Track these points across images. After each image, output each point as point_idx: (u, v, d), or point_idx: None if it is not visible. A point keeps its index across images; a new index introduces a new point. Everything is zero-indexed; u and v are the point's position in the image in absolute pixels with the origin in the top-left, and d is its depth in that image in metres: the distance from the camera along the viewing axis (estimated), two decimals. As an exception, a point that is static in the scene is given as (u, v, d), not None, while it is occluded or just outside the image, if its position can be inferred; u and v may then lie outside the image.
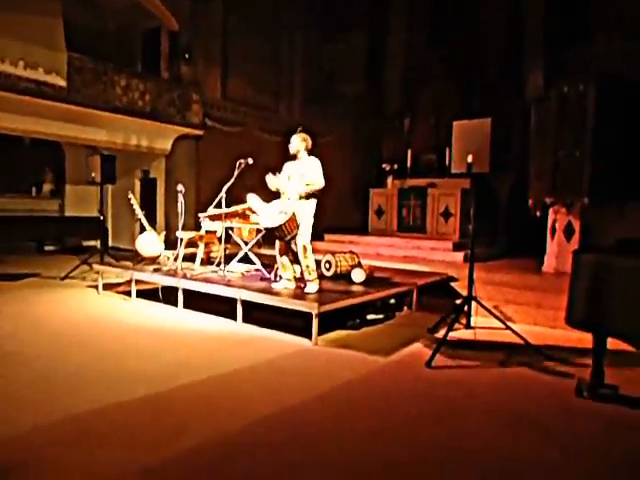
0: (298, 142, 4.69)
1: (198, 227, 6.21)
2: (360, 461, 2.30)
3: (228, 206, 5.57)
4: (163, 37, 10.79)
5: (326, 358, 3.84)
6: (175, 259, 6.01)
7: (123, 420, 2.66)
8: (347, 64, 12.52)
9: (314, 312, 4.08)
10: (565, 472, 2.29)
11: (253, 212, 5.73)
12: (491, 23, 10.05)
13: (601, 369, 3.03)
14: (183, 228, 5.85)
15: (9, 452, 2.31)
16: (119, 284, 6.41)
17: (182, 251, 5.97)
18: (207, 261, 6.41)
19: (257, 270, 5.78)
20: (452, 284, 6.15)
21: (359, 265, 5.54)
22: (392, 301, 5.36)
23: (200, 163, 10.56)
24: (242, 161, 5.24)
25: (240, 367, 3.53)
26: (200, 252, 6.18)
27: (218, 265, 5.71)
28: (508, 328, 4.02)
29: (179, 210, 5.67)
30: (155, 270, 5.75)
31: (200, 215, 5.89)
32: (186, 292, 5.21)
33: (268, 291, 4.68)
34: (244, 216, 5.77)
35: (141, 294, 5.74)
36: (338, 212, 10.90)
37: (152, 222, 8.14)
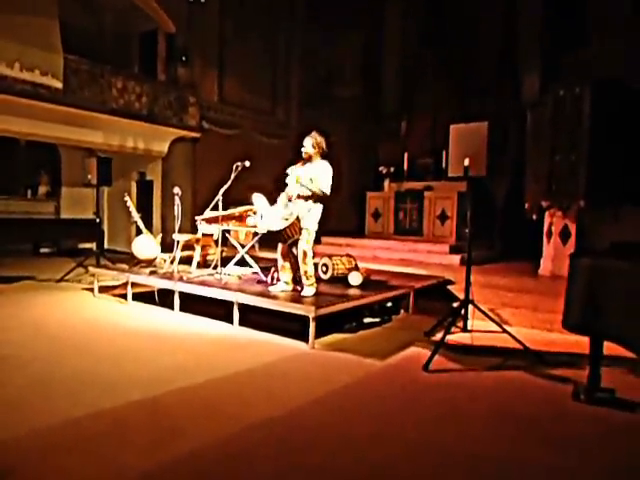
0: (310, 145, 4.55)
1: (195, 230, 6.19)
2: (357, 466, 2.30)
3: (225, 209, 5.56)
4: (160, 39, 10.79)
5: (323, 362, 3.83)
6: (171, 262, 5.99)
7: (120, 424, 2.65)
8: (344, 67, 12.56)
9: (311, 315, 4.07)
10: (563, 476, 2.29)
11: (249, 215, 5.72)
12: (488, 26, 10.10)
13: (598, 373, 3.04)
14: (180, 231, 5.84)
15: (5, 456, 2.29)
16: (115, 287, 6.38)
17: (179, 254, 5.95)
18: (204, 264, 6.39)
19: (254, 273, 5.77)
20: (449, 287, 6.16)
21: (356, 268, 5.54)
22: (389, 304, 5.36)
23: (197, 166, 10.56)
24: (239, 164, 5.23)
25: (237, 371, 3.52)
26: (197, 255, 6.16)
27: (215, 268, 5.70)
28: (505, 332, 4.03)
29: (176, 213, 5.66)
30: (151, 273, 5.73)
31: (197, 218, 5.88)
32: (182, 295, 5.19)
33: (265, 294, 4.67)
34: (241, 219, 5.76)
35: (137, 297, 5.72)
36: (335, 215, 10.87)
37: (148, 224, 8.12)
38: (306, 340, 4.13)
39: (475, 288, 4.47)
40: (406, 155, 10.62)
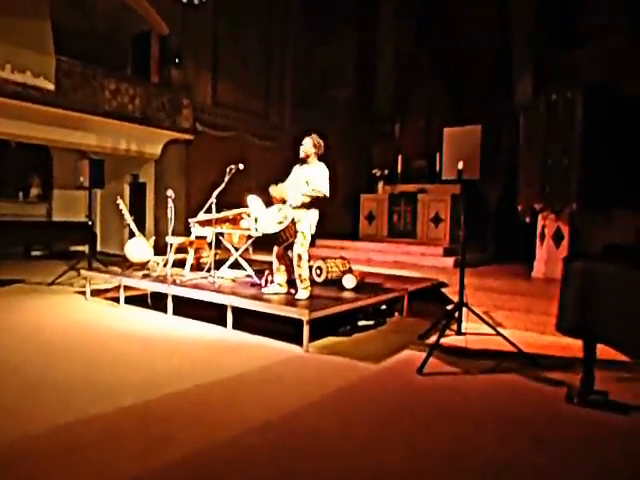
0: (310, 145, 4.55)
1: (188, 232, 6.16)
2: (353, 470, 2.28)
3: (218, 211, 5.54)
4: (153, 41, 10.75)
5: (317, 365, 3.82)
6: (165, 265, 5.96)
7: (111, 429, 2.62)
8: (337, 69, 12.58)
9: (305, 319, 4.06)
10: (556, 478, 2.29)
11: (242, 218, 5.70)
12: (482, 29, 10.15)
13: (591, 375, 3.05)
14: (173, 233, 5.80)
15: (-7, 464, 2.26)
16: (107, 290, 6.34)
17: (172, 257, 5.91)
18: (197, 267, 6.36)
19: (248, 276, 5.75)
20: (443, 290, 6.17)
21: (350, 271, 5.54)
22: (383, 307, 5.36)
23: (190, 168, 10.51)
24: (233, 166, 5.21)
25: (230, 375, 3.50)
26: (190, 258, 6.13)
27: (208, 271, 5.67)
28: (499, 334, 4.03)
29: (169, 215, 5.63)
30: (144, 276, 5.69)
31: (190, 220, 5.85)
32: (176, 298, 5.16)
33: (259, 297, 4.65)
34: (234, 222, 5.75)
35: (130, 300, 5.68)
36: (329, 217, 10.86)
37: (141, 227, 8.07)
38: (300, 343, 4.12)
39: (469, 291, 4.48)
40: (400, 157, 10.65)
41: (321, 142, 4.58)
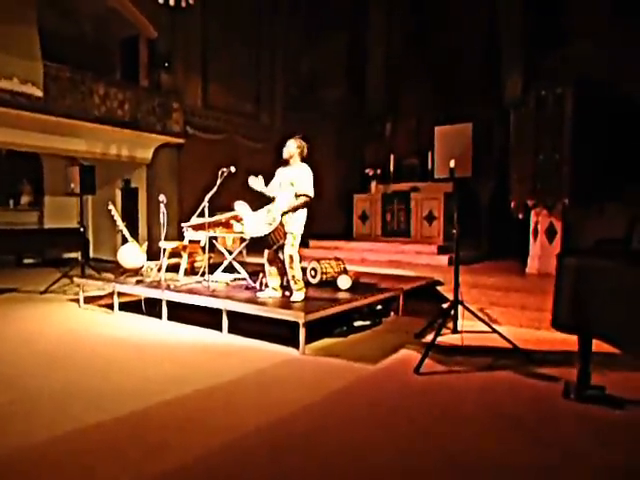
0: (293, 147, 4.59)
1: (181, 237, 6.13)
2: (351, 472, 2.27)
3: (211, 215, 5.51)
4: (142, 45, 10.69)
5: (314, 368, 3.81)
6: (158, 270, 5.92)
7: (108, 438, 2.60)
8: (328, 69, 12.57)
9: (301, 321, 4.04)
10: (555, 474, 2.29)
11: (237, 221, 5.68)
12: (472, 27, 10.17)
13: (587, 371, 3.06)
14: (166, 238, 5.76)
15: (-12, 478, 2.24)
16: (101, 297, 6.29)
17: (165, 262, 5.88)
18: (191, 271, 6.33)
19: (242, 279, 5.72)
20: (438, 288, 6.18)
21: (345, 271, 5.53)
22: (379, 307, 5.35)
23: (182, 171, 10.47)
24: (225, 170, 5.19)
25: (227, 380, 3.48)
26: (184, 262, 6.10)
27: (202, 275, 5.64)
28: (494, 331, 4.04)
29: (161, 220, 5.59)
30: (138, 282, 5.65)
31: (183, 225, 5.82)
32: (170, 303, 5.13)
33: (254, 301, 4.63)
34: (228, 225, 5.72)
35: (124, 306, 5.64)
36: (322, 218, 10.85)
37: (134, 232, 8.02)
38: (296, 346, 4.10)
39: (463, 288, 4.49)
40: (392, 157, 10.65)
41: (304, 144, 4.63)
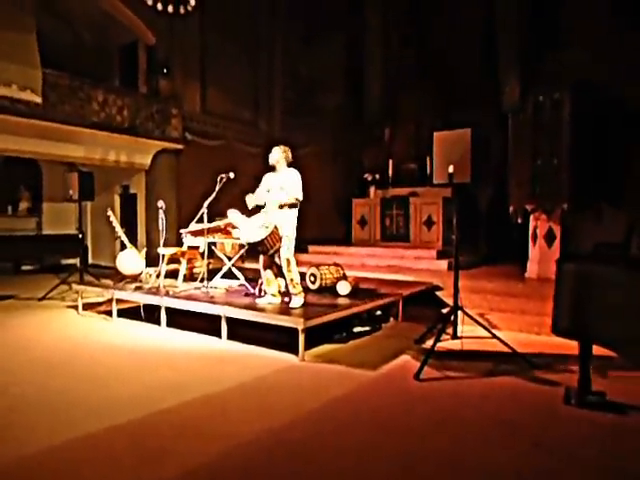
0: (279, 154, 4.69)
1: (180, 243, 6.12)
2: (349, 478, 2.26)
3: (210, 221, 5.51)
4: (140, 51, 10.72)
5: (314, 374, 3.79)
6: (157, 276, 5.91)
7: (106, 446, 2.58)
8: (326, 75, 12.61)
9: (300, 327, 4.03)
10: (557, 484, 2.28)
11: (235, 227, 5.67)
12: (469, 33, 10.22)
13: (588, 376, 3.05)
14: (165, 244, 5.76)
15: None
16: (100, 303, 6.26)
17: (164, 268, 5.87)
18: (190, 277, 6.32)
19: (241, 285, 5.71)
20: (437, 293, 6.17)
21: (344, 277, 5.52)
22: (378, 312, 5.34)
23: (180, 177, 10.47)
24: (223, 175, 5.19)
25: (226, 387, 3.46)
26: (183, 268, 6.09)
27: (201, 281, 5.63)
28: (495, 337, 4.03)
29: (160, 226, 5.58)
30: (136, 288, 5.63)
31: (182, 231, 5.81)
32: (169, 309, 5.11)
33: (253, 307, 4.61)
34: (226, 231, 5.71)
35: (123, 313, 5.62)
36: (321, 223, 10.89)
37: (133, 238, 8.01)
38: (296, 352, 4.08)
39: (463, 293, 4.48)
40: (391, 161, 10.66)
41: (288, 149, 4.75)
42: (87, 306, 6.13)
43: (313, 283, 5.51)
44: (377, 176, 10.73)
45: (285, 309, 4.50)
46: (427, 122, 10.25)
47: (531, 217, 6.88)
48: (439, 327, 4.22)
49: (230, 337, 4.61)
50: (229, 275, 5.88)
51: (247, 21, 11.84)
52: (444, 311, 5.54)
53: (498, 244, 8.90)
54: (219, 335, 4.63)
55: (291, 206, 4.55)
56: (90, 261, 11.17)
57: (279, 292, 4.84)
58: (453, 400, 3.24)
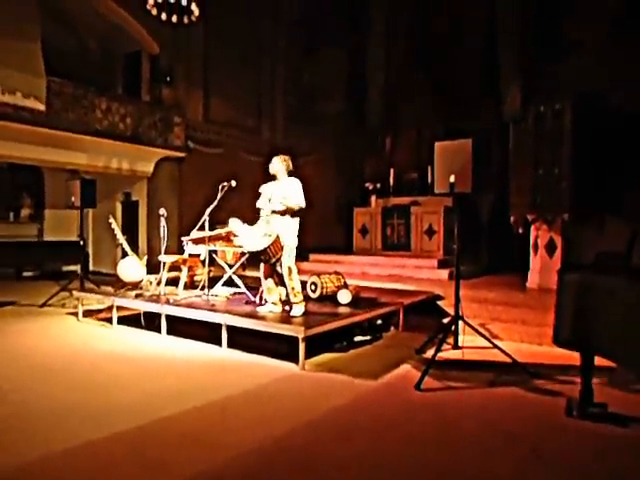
0: (278, 163, 4.71)
1: (181, 250, 6.12)
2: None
3: (212, 229, 5.52)
4: (144, 60, 10.81)
5: (314, 383, 3.77)
6: (158, 284, 5.90)
7: (106, 454, 2.56)
8: (328, 83, 12.68)
9: (300, 336, 4.02)
10: (559, 496, 2.26)
11: (236, 235, 5.68)
12: (471, 42, 10.27)
13: (590, 387, 3.03)
14: (166, 252, 5.77)
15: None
16: (100, 310, 6.26)
17: (165, 275, 5.87)
18: (191, 285, 6.31)
19: (242, 293, 5.70)
20: (438, 302, 6.15)
21: (345, 286, 5.51)
22: (379, 322, 5.32)
23: (183, 185, 10.51)
24: (225, 184, 5.21)
25: (226, 395, 3.45)
26: (183, 276, 6.09)
27: (202, 289, 5.62)
28: (496, 347, 4.02)
29: (161, 234, 5.59)
30: (137, 296, 5.63)
31: (183, 238, 5.82)
32: (170, 317, 5.10)
33: (253, 315, 4.61)
34: (228, 239, 5.72)
35: (123, 320, 5.61)
36: (322, 232, 10.90)
37: (134, 246, 8.02)
38: (296, 361, 4.07)
39: (464, 303, 4.47)
40: (392, 170, 10.69)
41: (288, 159, 4.77)
42: (87, 313, 6.12)
43: (314, 292, 5.51)
44: (378, 185, 10.76)
45: (286, 317, 4.50)
46: (428, 131, 10.31)
47: (532, 227, 6.88)
48: (440, 337, 4.21)
49: (231, 345, 4.60)
50: (230, 283, 5.88)
51: (250, 29, 11.92)
52: (445, 321, 5.52)
53: (499, 254, 8.89)
54: (219, 343, 4.62)
55: (293, 214, 4.55)
56: (91, 268, 11.16)
57: (280, 300, 4.83)
58: (454, 410, 3.22)
